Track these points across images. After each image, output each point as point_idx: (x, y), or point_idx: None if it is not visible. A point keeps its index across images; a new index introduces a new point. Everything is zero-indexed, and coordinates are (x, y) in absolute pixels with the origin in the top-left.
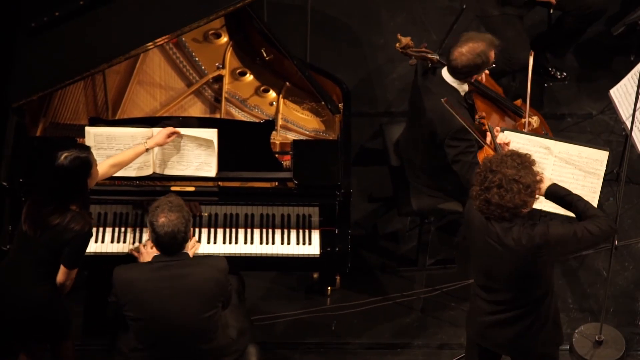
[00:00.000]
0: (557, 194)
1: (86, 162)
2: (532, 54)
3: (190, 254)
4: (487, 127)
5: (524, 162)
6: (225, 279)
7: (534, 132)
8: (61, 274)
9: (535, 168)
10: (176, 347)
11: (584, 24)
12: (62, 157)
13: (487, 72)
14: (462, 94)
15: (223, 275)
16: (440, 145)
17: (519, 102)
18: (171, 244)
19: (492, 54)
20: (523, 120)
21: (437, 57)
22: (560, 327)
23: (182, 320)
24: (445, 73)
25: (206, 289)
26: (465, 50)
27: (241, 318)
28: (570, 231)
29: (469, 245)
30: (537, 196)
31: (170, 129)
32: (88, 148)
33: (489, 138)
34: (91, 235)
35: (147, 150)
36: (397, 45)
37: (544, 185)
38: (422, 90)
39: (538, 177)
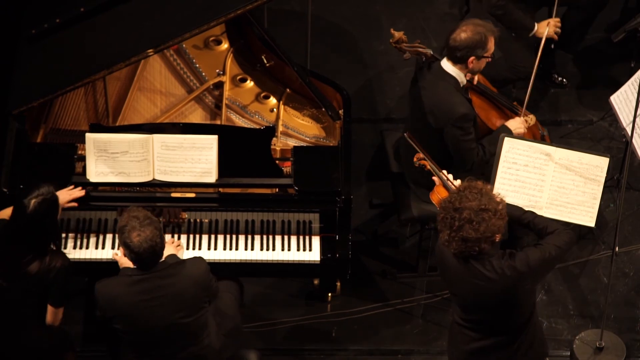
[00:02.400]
0: (511, 216)
1: (53, 200)
2: (538, 58)
3: (180, 255)
4: (429, 167)
5: (481, 190)
6: (207, 278)
7: (533, 138)
8: (50, 315)
9: (492, 192)
10: (168, 353)
11: (591, 14)
12: (31, 204)
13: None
14: (461, 84)
15: (204, 276)
16: (440, 137)
17: (515, 102)
18: (152, 259)
19: (492, 41)
20: (519, 117)
21: (431, 51)
22: (545, 342)
23: (170, 327)
24: (444, 62)
25: (190, 294)
26: (465, 28)
27: (230, 322)
28: (545, 253)
29: (446, 284)
30: (506, 218)
31: (74, 195)
32: (49, 184)
33: (436, 179)
34: (72, 267)
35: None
36: (391, 40)
37: None
38: (420, 86)
39: (498, 199)
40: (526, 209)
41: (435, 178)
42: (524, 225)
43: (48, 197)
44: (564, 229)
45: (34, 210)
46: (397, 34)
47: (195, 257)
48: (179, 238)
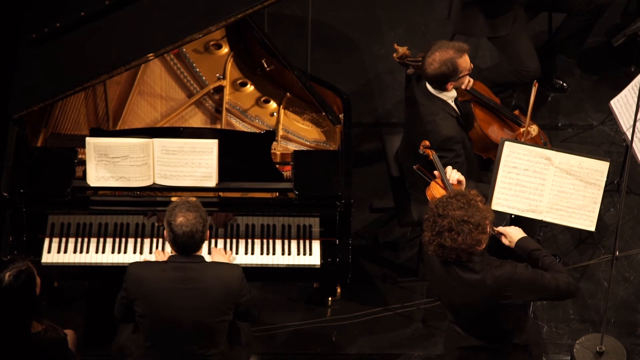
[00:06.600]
0: (525, 248)
1: (30, 273)
2: (536, 85)
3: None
4: (432, 158)
5: (470, 201)
6: (239, 286)
7: (534, 143)
8: None
9: (482, 205)
10: (179, 348)
11: (591, 21)
12: (6, 277)
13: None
14: (451, 101)
15: (236, 283)
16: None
17: (517, 111)
18: (189, 244)
19: (464, 60)
20: (522, 129)
21: None
22: (539, 344)
23: (189, 321)
24: (427, 83)
25: (215, 295)
26: (432, 60)
27: (247, 331)
28: (537, 276)
29: (432, 284)
30: (489, 232)
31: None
32: (24, 257)
33: (437, 173)
34: (66, 340)
35: None
36: (395, 55)
37: (515, 238)
38: (418, 99)
39: (487, 214)
40: (526, 213)
41: (436, 172)
42: (532, 260)
43: (23, 269)
44: (567, 274)
45: (7, 284)
46: (401, 50)
47: (232, 263)
48: None
